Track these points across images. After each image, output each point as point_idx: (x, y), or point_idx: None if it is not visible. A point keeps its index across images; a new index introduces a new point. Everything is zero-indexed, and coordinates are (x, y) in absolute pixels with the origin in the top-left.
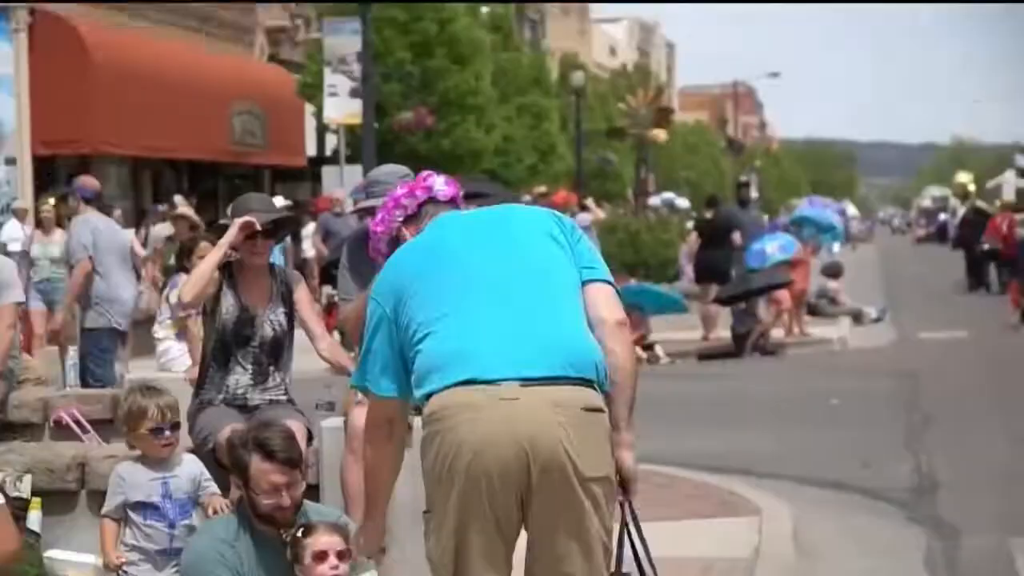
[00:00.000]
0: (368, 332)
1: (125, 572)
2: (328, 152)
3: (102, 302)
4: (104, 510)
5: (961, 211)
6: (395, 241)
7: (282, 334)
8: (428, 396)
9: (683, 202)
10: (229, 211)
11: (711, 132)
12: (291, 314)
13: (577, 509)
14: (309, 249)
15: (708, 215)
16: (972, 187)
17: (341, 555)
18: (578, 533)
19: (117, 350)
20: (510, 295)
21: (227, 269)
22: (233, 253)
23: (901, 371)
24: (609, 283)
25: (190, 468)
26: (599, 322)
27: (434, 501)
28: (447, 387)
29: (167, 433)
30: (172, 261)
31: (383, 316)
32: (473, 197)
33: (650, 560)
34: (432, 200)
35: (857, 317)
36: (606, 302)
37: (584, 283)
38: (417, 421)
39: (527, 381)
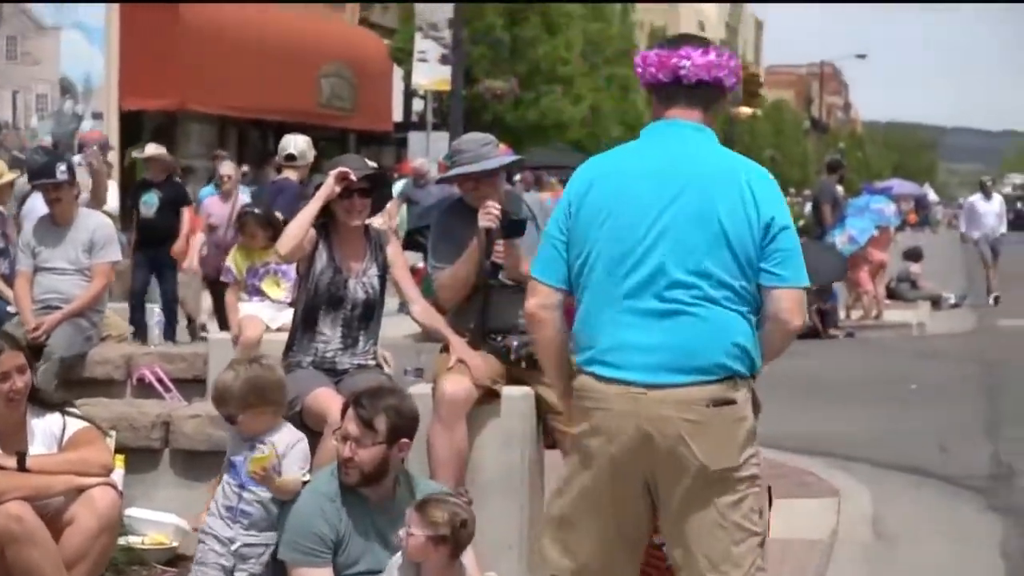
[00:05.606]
0: (552, 219)
1: (207, 526)
2: (414, 118)
3: None
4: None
5: None
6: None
7: (374, 297)
8: (578, 365)
9: None
10: (325, 171)
11: (795, 111)
12: (383, 276)
13: (710, 500)
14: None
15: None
16: None
17: (440, 541)
18: (715, 520)
19: None
20: (667, 283)
21: (323, 230)
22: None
23: (981, 358)
24: (798, 287)
25: (288, 437)
26: (775, 319)
27: (570, 466)
28: (588, 372)
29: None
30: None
31: (564, 213)
32: None
33: None
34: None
35: (936, 302)
36: (789, 306)
37: (767, 287)
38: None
39: (656, 387)
